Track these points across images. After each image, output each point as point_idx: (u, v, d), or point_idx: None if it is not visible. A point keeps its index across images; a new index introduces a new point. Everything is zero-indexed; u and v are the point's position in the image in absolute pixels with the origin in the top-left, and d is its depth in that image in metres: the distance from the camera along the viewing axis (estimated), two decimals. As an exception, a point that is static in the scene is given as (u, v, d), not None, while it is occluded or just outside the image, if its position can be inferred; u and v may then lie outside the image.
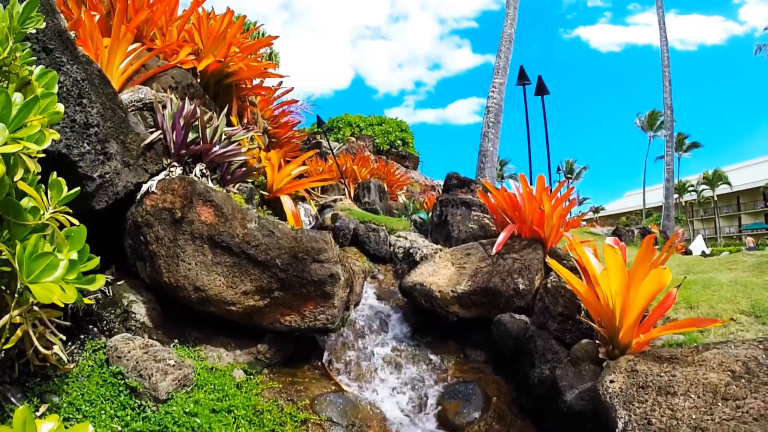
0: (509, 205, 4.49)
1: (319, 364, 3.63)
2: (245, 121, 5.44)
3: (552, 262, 2.93)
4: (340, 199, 7.20)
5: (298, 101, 7.94)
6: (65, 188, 1.86)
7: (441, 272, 3.89)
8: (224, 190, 3.07)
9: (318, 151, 10.26)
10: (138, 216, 2.85)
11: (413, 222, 5.87)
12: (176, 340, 2.99)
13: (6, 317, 1.68)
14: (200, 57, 4.91)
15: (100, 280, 1.98)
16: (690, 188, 50.62)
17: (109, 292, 3.02)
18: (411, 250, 5.15)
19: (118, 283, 3.07)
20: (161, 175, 3.06)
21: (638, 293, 2.38)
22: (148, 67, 4.49)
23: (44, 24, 2.46)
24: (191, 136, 3.31)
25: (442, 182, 16.56)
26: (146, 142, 3.02)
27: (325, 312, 3.14)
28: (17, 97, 1.57)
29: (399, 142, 16.10)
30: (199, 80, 4.82)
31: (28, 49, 1.87)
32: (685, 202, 52.41)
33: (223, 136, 3.47)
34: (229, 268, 2.79)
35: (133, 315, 2.90)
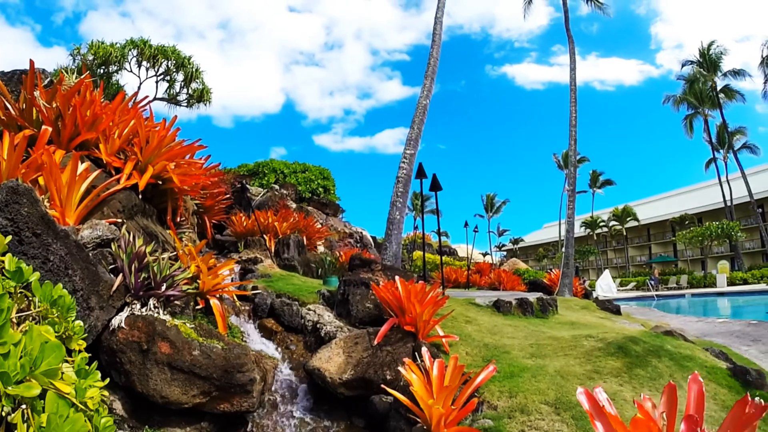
0: (394, 299, 6.51)
1: (245, 432, 5.52)
2: (178, 219, 7.11)
3: (408, 374, 4.93)
4: (261, 261, 8.97)
5: (224, 174, 9.59)
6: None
7: (334, 359, 5.84)
8: (174, 321, 4.83)
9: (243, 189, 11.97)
10: (113, 344, 4.54)
11: (321, 295, 7.78)
12: (146, 426, 4.74)
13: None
14: (139, 168, 6.53)
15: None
16: (602, 224, 58.41)
17: (86, 396, 4.73)
18: (318, 325, 7.06)
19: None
20: (126, 311, 4.76)
21: (444, 407, 4.45)
22: (97, 186, 6.06)
23: (31, 211, 4.04)
24: (144, 275, 5.03)
25: (360, 229, 18.94)
26: (114, 288, 4.70)
27: (247, 401, 4.99)
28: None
29: (321, 189, 18.16)
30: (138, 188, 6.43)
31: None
32: (597, 234, 59.87)
33: (168, 269, 5.22)
34: (182, 382, 4.57)
35: (114, 411, 4.62)
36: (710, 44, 43.32)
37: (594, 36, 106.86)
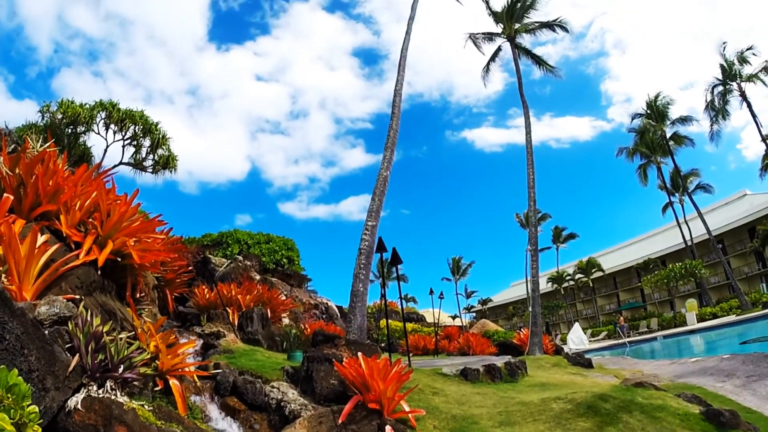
0: (357, 376, 6.55)
1: None
2: (138, 295, 7.11)
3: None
4: (224, 335, 8.90)
5: (185, 246, 9.67)
6: None
7: (297, 441, 5.80)
8: (132, 404, 4.78)
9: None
10: (69, 426, 4.41)
11: (285, 372, 7.73)
12: None
13: None
14: (99, 243, 6.56)
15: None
16: (568, 278, 60.24)
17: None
18: (282, 403, 6.96)
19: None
20: (82, 393, 4.68)
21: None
22: (56, 259, 6.06)
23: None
24: (101, 356, 5.00)
25: (325, 300, 19.02)
26: (70, 369, 4.65)
27: (205, 488, 4.92)
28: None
29: (285, 260, 18.31)
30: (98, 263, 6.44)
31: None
32: (564, 288, 61.52)
33: (126, 350, 5.21)
34: (139, 468, 4.50)
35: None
36: (657, 96, 46.20)
37: (547, 97, 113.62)
